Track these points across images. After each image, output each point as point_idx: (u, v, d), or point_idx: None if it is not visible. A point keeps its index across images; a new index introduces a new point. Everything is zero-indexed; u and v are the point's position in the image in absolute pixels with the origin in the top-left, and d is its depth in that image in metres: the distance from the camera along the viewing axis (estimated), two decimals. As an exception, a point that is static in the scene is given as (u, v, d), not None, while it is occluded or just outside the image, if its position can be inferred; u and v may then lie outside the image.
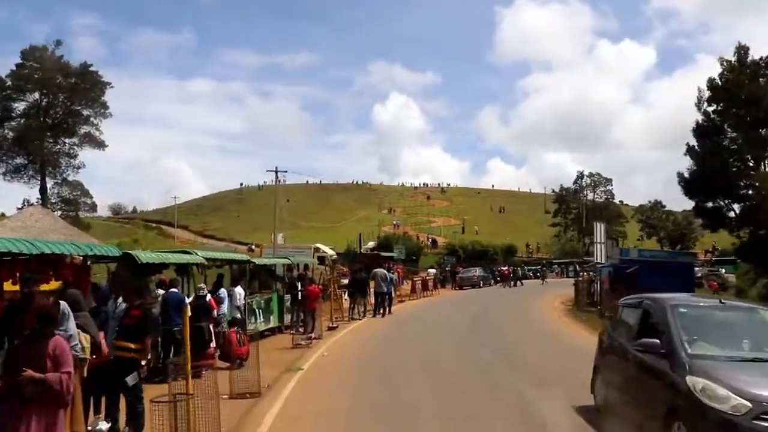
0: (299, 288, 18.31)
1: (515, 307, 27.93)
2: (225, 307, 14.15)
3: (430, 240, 73.54)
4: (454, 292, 41.25)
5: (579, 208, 75.29)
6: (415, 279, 35.06)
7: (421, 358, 13.10)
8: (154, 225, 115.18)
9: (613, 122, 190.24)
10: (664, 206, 70.27)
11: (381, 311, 22.81)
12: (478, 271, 44.93)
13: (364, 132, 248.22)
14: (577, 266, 58.18)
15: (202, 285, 11.77)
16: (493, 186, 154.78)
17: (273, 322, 17.67)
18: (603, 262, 32.80)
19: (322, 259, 37.41)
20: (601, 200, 76.50)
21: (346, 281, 25.41)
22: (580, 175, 77.42)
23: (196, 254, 12.84)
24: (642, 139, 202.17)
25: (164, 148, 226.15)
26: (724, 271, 44.66)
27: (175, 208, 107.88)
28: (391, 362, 12.68)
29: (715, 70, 31.87)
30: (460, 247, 60.20)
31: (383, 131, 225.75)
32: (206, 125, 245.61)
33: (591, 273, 38.38)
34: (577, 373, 9.38)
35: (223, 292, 14.35)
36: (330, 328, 18.76)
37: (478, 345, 15.76)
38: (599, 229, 35.04)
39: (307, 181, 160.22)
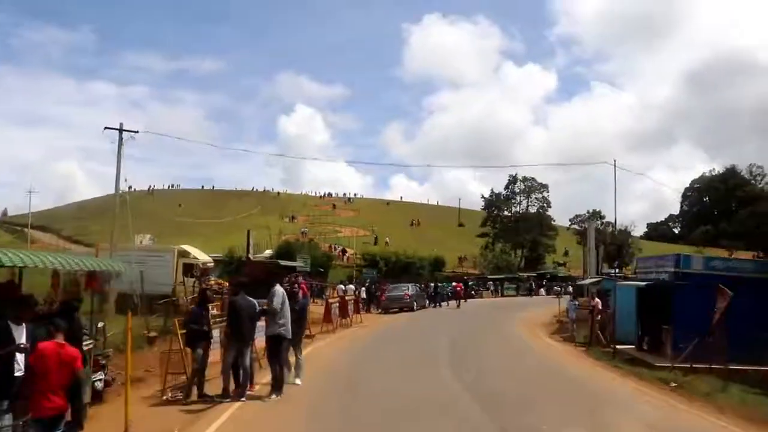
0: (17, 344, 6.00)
1: (506, 348, 16.87)
2: None
3: (340, 251, 61.74)
4: (381, 317, 29.82)
5: (510, 217, 66.42)
6: (330, 300, 23.26)
7: None
8: (19, 228, 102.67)
9: (514, 142, 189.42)
10: (603, 216, 62.67)
11: (278, 383, 10.41)
12: (410, 289, 33.71)
13: (268, 143, 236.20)
14: (533, 282, 49.01)
15: None
16: (401, 198, 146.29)
17: None
18: (603, 276, 22.81)
19: (189, 268, 24.85)
20: (535, 209, 67.99)
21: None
22: (513, 180, 68.47)
23: None
24: (542, 160, 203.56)
25: (58, 150, 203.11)
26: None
27: (29, 211, 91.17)
28: None
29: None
30: (381, 258, 48.93)
31: (287, 143, 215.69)
32: (101, 128, 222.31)
33: (568, 293, 28.43)
34: None
35: None
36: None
37: None
38: (591, 233, 24.90)
39: (203, 186, 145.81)
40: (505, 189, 69.65)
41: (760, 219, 70.21)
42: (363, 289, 35.21)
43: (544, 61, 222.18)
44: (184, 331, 10.03)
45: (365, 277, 43.56)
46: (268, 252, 50.11)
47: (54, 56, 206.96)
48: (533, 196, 68.54)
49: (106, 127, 22.91)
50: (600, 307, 20.38)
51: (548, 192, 68.30)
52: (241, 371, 9.73)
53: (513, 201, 69.52)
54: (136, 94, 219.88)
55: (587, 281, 23.06)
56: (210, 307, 10.84)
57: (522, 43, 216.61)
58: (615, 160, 18.70)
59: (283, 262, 29.78)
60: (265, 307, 10.04)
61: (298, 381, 10.73)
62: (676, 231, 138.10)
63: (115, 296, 20.73)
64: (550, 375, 12.45)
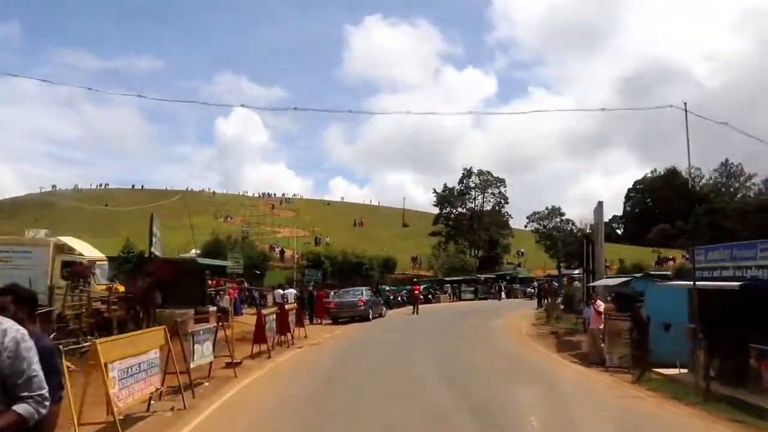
0: None
1: (533, 383, 11.14)
2: None
3: (279, 251, 55.21)
4: (331, 330, 23.88)
5: (465, 214, 61.33)
6: (265, 311, 17.00)
7: None
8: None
9: (454, 146, 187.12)
10: (563, 213, 58.55)
11: None
12: (364, 294, 27.82)
13: (206, 145, 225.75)
14: (500, 285, 44.03)
15: None
16: (342, 198, 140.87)
17: None
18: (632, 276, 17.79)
19: (73, 269, 18.13)
20: (490, 204, 63.15)
21: None
22: (467, 174, 63.39)
23: None
24: (481, 163, 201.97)
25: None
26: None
27: None
28: None
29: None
30: (326, 257, 42.74)
31: (226, 145, 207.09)
32: (31, 129, 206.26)
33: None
34: None
35: None
36: None
37: None
38: (601, 224, 19.67)
39: (133, 186, 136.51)
40: (459, 183, 64.57)
41: (718, 215, 67.80)
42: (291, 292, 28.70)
43: (483, 65, 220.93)
44: None
45: (308, 278, 37.43)
46: (194, 251, 43.36)
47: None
48: (489, 190, 63.78)
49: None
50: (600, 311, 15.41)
51: (505, 187, 63.78)
52: None
53: (468, 196, 64.47)
54: (66, 92, 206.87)
55: (601, 282, 17.77)
56: None
57: (462, 46, 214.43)
58: (685, 103, 14.39)
59: (203, 260, 23.45)
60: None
61: None
62: (619, 232, 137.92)
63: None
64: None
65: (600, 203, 20.11)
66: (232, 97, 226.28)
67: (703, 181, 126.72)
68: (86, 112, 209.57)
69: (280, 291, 28.56)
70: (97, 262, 19.00)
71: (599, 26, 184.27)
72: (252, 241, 48.09)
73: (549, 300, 34.94)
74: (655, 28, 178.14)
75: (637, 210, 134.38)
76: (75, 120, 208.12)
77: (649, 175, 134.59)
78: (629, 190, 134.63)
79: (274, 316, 17.11)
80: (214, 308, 22.93)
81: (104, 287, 17.68)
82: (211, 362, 12.07)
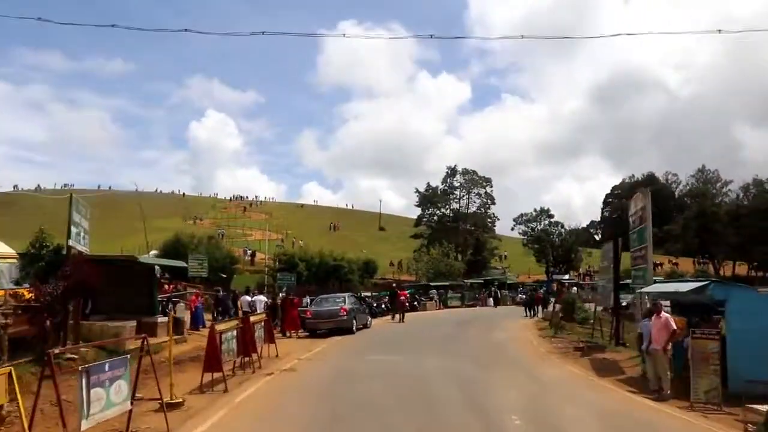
0: None
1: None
2: None
3: (248, 254, 50.63)
4: (308, 345, 19.70)
5: (450, 215, 57.44)
6: (221, 327, 12.65)
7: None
8: None
9: (428, 151, 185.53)
10: (552, 215, 55.04)
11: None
12: (346, 302, 23.62)
13: (178, 149, 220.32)
14: (496, 291, 40.18)
15: None
16: (316, 202, 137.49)
17: None
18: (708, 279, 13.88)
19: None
20: (475, 205, 59.26)
21: None
22: (451, 172, 59.33)
23: None
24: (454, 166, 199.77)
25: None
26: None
27: None
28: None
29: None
30: (301, 260, 38.31)
31: (198, 149, 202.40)
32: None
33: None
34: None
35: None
36: None
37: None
38: (648, 209, 15.64)
39: (99, 186, 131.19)
40: (442, 182, 60.61)
41: (706, 219, 65.34)
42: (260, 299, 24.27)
43: (458, 71, 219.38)
44: None
45: (281, 283, 33.10)
46: (153, 252, 38.89)
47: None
48: (474, 191, 59.84)
49: None
50: (674, 328, 11.50)
51: (491, 187, 59.94)
52: None
53: (452, 196, 60.43)
54: (32, 94, 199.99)
55: (654, 288, 13.84)
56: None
57: (437, 52, 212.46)
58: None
59: (148, 260, 19.05)
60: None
61: None
62: (597, 238, 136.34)
63: None
64: None
65: (646, 190, 16.26)
66: (204, 100, 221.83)
67: (680, 186, 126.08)
68: (55, 114, 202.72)
69: (247, 298, 24.19)
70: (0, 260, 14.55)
71: (572, 33, 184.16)
72: (218, 242, 43.48)
73: (552, 308, 31.28)
74: (627, 37, 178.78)
75: (615, 215, 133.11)
76: (44, 122, 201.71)
77: (627, 181, 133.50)
78: (607, 196, 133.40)
79: (234, 333, 12.87)
80: (165, 319, 18.69)
81: (3, 293, 13.24)
82: (130, 411, 7.83)
